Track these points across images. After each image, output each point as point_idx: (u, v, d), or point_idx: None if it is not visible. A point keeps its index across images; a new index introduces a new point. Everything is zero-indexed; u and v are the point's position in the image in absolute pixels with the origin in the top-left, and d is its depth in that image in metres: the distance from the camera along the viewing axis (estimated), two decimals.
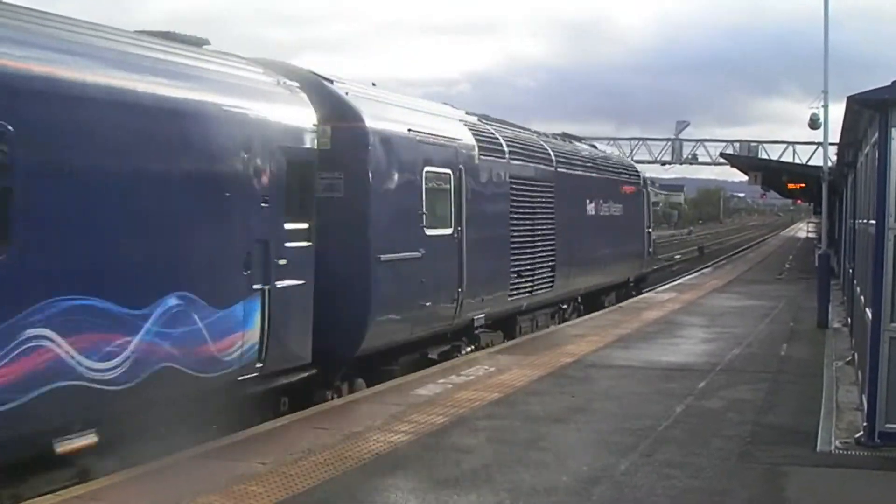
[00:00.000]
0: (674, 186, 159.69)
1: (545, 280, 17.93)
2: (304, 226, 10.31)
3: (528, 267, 17.02)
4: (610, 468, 8.11)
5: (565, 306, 20.15)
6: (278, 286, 9.70)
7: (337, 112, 11.46)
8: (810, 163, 45.20)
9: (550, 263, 18.13)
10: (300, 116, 10.48)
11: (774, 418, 10.28)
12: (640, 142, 64.61)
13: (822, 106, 20.85)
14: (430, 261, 12.91)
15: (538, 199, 17.59)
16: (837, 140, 19.05)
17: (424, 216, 12.91)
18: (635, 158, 54.94)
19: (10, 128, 6.78)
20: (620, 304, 23.05)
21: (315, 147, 10.65)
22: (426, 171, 13.07)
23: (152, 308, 8.08)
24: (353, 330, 11.45)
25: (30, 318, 6.94)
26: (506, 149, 16.22)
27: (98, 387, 7.55)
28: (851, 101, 9.72)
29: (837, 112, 20.34)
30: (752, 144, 60.31)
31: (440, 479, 7.76)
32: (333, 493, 7.38)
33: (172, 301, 8.31)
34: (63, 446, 7.40)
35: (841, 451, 8.85)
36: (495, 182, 15.68)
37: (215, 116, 8.92)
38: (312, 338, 10.48)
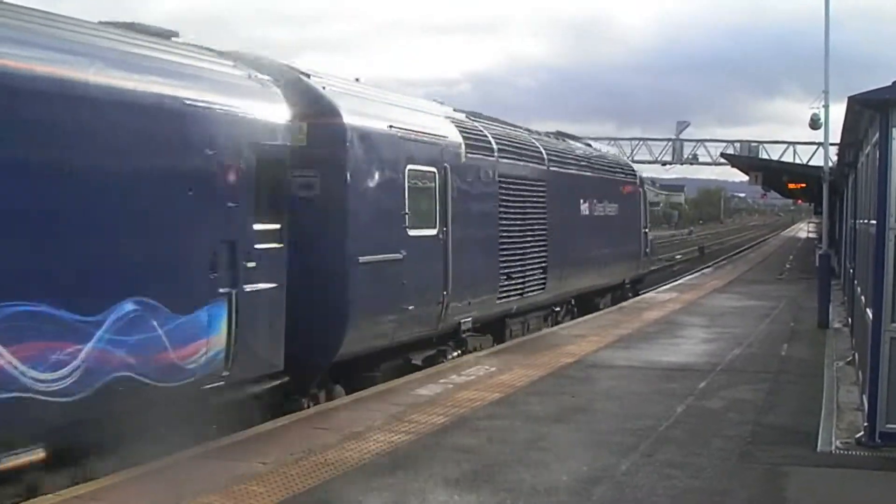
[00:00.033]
0: (674, 186, 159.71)
1: (536, 282, 17.45)
2: (276, 226, 9.85)
3: (519, 268, 16.54)
4: (610, 468, 8.13)
5: (558, 309, 19.64)
6: (246, 290, 9.24)
7: (313, 107, 11.04)
8: (811, 163, 45.11)
9: (542, 265, 17.65)
10: (271, 112, 10.01)
11: (775, 418, 10.29)
12: (641, 142, 64.64)
13: (823, 106, 20.80)
14: (412, 262, 12.45)
15: (529, 199, 17.10)
16: (838, 140, 19.02)
17: (407, 216, 12.46)
18: (636, 158, 54.84)
19: None
20: (621, 305, 22.77)
21: (288, 144, 10.17)
22: (409, 170, 12.61)
23: (105, 314, 7.61)
24: (330, 335, 11.02)
25: None
26: (495, 146, 15.75)
27: (45, 398, 7.09)
28: (852, 101, 9.80)
29: (838, 112, 20.25)
30: (753, 144, 60.30)
31: (441, 479, 7.76)
32: (334, 493, 7.39)
33: (129, 306, 7.84)
34: (5, 462, 6.94)
35: (841, 452, 8.88)
36: (483, 181, 15.20)
37: (176, 111, 8.44)
38: (287, 344, 10.01)
